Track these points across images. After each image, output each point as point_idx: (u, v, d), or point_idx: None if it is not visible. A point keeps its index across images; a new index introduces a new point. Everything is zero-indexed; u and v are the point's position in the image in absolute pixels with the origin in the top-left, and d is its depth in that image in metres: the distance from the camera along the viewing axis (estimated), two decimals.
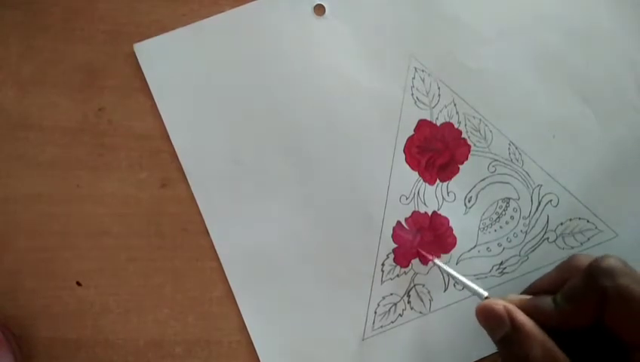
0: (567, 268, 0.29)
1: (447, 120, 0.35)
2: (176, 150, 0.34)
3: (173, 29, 0.35)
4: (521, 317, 0.27)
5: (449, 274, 0.32)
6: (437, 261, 0.33)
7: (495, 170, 0.34)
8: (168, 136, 0.35)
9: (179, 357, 0.34)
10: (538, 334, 0.26)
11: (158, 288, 0.34)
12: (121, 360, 0.33)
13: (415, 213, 0.34)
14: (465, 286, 0.30)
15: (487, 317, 0.27)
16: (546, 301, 0.27)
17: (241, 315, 0.34)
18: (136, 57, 0.35)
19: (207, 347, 0.34)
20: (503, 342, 0.27)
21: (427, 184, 0.34)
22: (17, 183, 0.34)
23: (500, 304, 0.27)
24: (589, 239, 0.34)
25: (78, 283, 0.34)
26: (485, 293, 0.29)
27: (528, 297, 0.28)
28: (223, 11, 0.35)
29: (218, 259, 0.34)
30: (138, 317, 0.34)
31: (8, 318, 0.33)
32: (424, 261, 0.34)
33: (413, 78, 0.35)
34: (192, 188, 0.34)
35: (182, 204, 0.34)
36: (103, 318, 0.34)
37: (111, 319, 0.34)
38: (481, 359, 0.34)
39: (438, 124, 0.35)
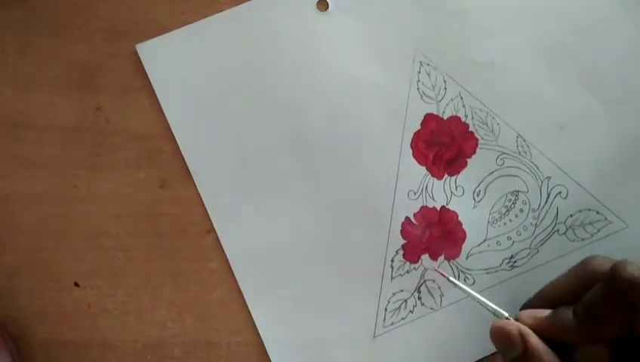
0: (584, 273, 0.32)
1: (454, 113, 0.39)
2: (181, 150, 0.38)
3: (172, 27, 0.39)
4: (534, 341, 0.30)
5: (467, 293, 0.35)
6: (453, 279, 0.36)
7: (503, 163, 0.39)
8: (167, 136, 0.38)
9: (178, 359, 0.37)
10: (549, 358, 0.29)
11: (157, 289, 0.37)
12: (119, 361, 0.37)
13: (424, 208, 0.38)
14: (485, 307, 0.33)
15: (501, 337, 0.31)
16: (567, 316, 0.30)
17: (240, 316, 0.37)
18: (134, 56, 0.39)
19: (206, 348, 0.37)
20: None
21: (435, 179, 0.38)
22: (14, 183, 0.38)
23: (514, 325, 0.31)
24: (599, 230, 0.38)
25: (76, 284, 0.37)
26: (505, 314, 0.32)
27: (547, 313, 0.31)
28: (222, 9, 0.39)
29: (217, 260, 0.38)
30: (136, 318, 0.37)
31: (6, 319, 0.37)
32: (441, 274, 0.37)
33: (419, 73, 0.39)
34: (198, 188, 0.38)
35: (181, 204, 0.38)
36: (101, 319, 0.37)
37: (109, 320, 0.37)
38: (493, 354, 0.37)
39: (445, 118, 0.39)
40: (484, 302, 0.34)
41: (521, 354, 0.30)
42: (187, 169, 0.38)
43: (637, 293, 0.28)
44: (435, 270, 0.37)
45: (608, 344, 0.30)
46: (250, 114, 0.39)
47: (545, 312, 0.31)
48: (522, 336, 0.30)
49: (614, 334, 0.29)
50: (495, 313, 0.33)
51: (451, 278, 0.36)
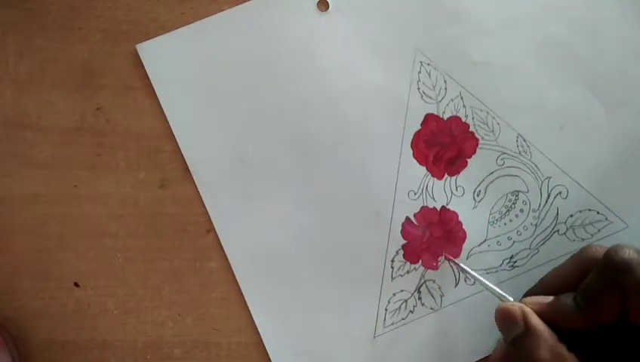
0: (581, 261, 0.33)
1: (454, 113, 0.40)
2: (181, 150, 0.39)
3: (172, 27, 0.40)
4: (535, 319, 0.31)
5: (477, 280, 0.37)
6: (464, 266, 0.38)
7: (503, 163, 0.39)
8: (167, 136, 0.39)
9: (177, 359, 0.38)
10: (549, 337, 0.31)
11: (157, 289, 0.38)
12: (119, 361, 0.38)
13: (424, 209, 0.39)
14: (492, 292, 0.35)
15: (504, 317, 0.32)
16: (567, 302, 0.32)
17: (240, 316, 0.38)
18: (134, 56, 0.39)
19: (205, 349, 0.38)
20: (514, 342, 0.32)
21: (435, 179, 0.39)
22: (14, 183, 0.39)
23: (516, 306, 0.32)
24: (599, 230, 0.39)
25: (76, 284, 0.38)
26: (511, 299, 0.34)
27: (550, 299, 0.33)
28: (221, 10, 0.40)
29: (217, 260, 0.39)
30: (136, 318, 0.38)
31: (6, 319, 0.37)
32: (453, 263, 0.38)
33: (419, 72, 0.40)
34: (198, 188, 0.39)
35: (181, 204, 0.39)
36: (101, 319, 0.38)
37: (109, 320, 0.38)
38: (485, 357, 0.38)
39: (445, 118, 0.40)
40: (491, 288, 0.36)
41: (522, 333, 0.32)
42: (187, 169, 0.39)
43: (627, 276, 0.30)
44: (446, 256, 0.38)
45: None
46: (250, 114, 0.39)
47: (548, 298, 0.33)
48: (524, 315, 0.32)
49: (611, 319, 0.31)
50: (501, 298, 0.35)
51: (461, 265, 0.38)
